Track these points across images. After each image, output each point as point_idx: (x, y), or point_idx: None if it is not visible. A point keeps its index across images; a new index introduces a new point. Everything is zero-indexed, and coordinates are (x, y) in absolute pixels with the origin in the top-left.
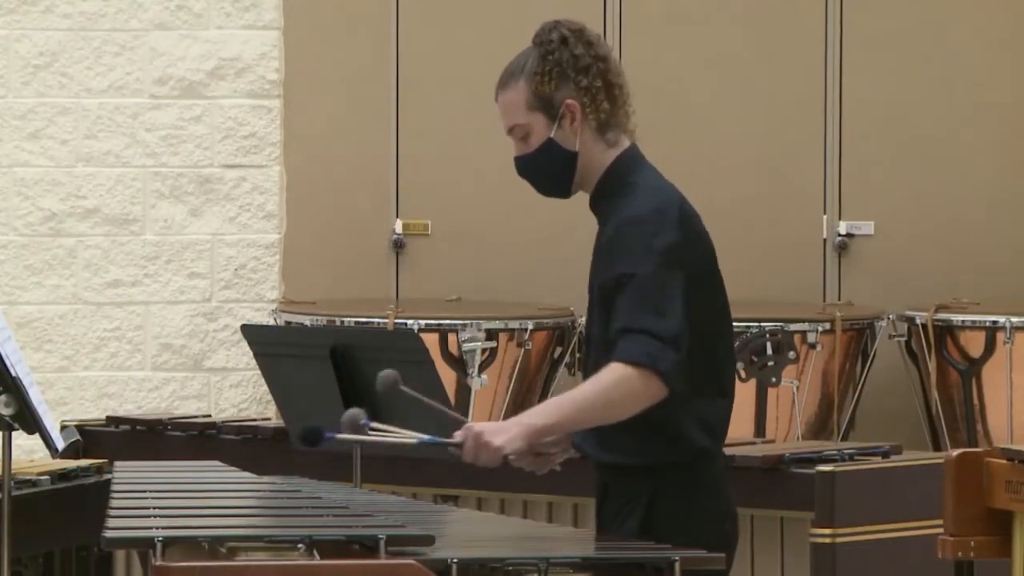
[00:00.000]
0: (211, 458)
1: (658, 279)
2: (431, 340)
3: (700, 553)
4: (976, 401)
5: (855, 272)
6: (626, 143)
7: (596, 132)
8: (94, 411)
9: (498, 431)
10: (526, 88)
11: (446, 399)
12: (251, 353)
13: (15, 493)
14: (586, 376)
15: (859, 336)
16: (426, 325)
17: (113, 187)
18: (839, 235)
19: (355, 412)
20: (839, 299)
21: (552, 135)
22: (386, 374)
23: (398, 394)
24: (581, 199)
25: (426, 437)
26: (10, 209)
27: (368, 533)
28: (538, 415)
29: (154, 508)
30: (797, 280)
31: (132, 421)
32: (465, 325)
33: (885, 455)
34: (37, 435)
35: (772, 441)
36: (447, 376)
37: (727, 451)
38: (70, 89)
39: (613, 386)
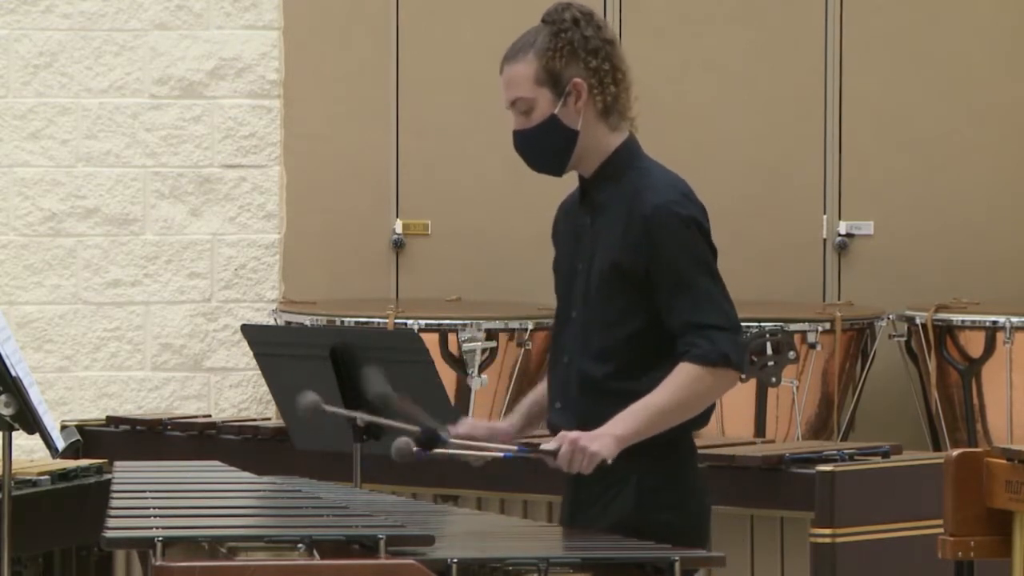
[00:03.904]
0: (211, 458)
1: (705, 265)
2: (431, 340)
3: (700, 553)
4: (976, 401)
5: (855, 272)
6: (627, 130)
7: (599, 115)
8: (94, 411)
9: (593, 438)
10: (535, 62)
11: (445, 399)
12: (251, 353)
13: (15, 493)
14: (555, 361)
15: (859, 336)
16: (426, 325)
17: (113, 187)
18: (839, 235)
19: (404, 441)
20: (839, 299)
21: (556, 111)
22: (307, 403)
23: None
24: None
25: (516, 448)
26: (10, 209)
27: (368, 533)
28: (624, 425)
29: (154, 508)
30: (797, 280)
31: (132, 421)
32: (465, 325)
33: (885, 455)
34: (37, 435)
35: (772, 441)
36: (447, 376)
37: (726, 451)
38: (70, 89)
39: (691, 387)
